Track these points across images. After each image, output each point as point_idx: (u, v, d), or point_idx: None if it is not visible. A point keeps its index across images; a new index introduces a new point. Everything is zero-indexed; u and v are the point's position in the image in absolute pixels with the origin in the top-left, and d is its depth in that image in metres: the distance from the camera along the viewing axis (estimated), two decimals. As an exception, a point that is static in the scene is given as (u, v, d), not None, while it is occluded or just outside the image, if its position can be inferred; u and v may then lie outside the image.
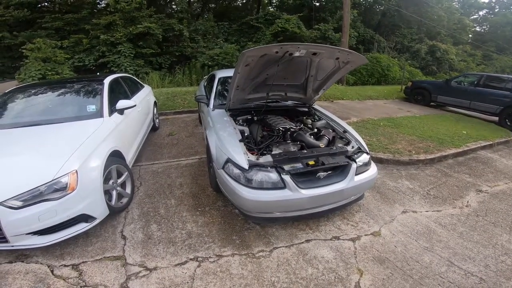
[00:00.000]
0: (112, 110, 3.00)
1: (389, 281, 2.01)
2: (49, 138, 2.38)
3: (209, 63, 10.03)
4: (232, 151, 2.39)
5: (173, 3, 16.66)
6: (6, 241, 1.93)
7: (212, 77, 4.41)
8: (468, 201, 3.20)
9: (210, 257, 2.17)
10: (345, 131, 3.05)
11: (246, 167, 2.25)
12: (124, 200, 2.71)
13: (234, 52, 10.33)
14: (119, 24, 9.84)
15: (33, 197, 1.88)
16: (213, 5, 20.66)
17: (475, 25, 29.13)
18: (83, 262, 2.08)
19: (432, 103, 9.10)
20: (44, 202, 1.90)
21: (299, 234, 2.47)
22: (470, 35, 25.84)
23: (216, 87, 3.81)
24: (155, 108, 5.31)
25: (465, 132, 5.75)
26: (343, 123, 3.26)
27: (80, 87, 3.32)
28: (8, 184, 1.90)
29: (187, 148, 4.40)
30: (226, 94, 3.78)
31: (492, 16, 29.90)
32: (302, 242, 2.38)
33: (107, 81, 3.39)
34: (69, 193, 1.97)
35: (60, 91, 3.22)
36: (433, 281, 2.02)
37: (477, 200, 3.25)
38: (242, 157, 2.31)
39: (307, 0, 17.80)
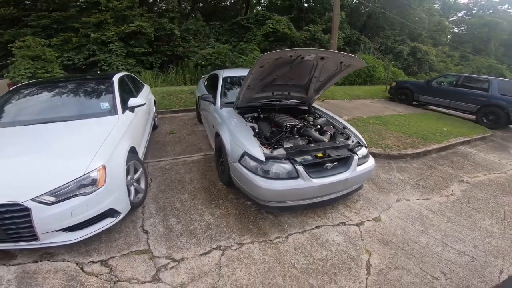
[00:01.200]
0: (124, 108, 3.09)
1: (394, 259, 2.28)
2: (71, 134, 2.45)
3: (203, 62, 10.08)
4: (248, 145, 2.59)
5: (163, 2, 16.48)
6: (36, 239, 1.94)
7: (215, 77, 4.55)
8: (452, 190, 3.56)
9: (232, 245, 2.34)
10: (344, 127, 3.33)
11: (263, 159, 2.46)
12: (140, 196, 2.81)
13: (227, 52, 10.44)
14: (110, 22, 9.68)
15: (66, 193, 1.93)
16: (201, 4, 20.59)
17: (454, 26, 30.63)
18: (111, 257, 2.15)
19: (414, 102, 9.63)
20: (76, 197, 1.96)
21: (309, 221, 2.71)
22: (449, 37, 27.17)
23: (222, 86, 3.97)
24: (154, 107, 5.38)
25: (446, 129, 6.22)
26: (341, 120, 3.54)
27: (89, 85, 3.38)
28: (40, 180, 1.94)
29: (191, 146, 4.52)
30: (231, 93, 3.98)
31: (470, 17, 31.48)
32: (313, 228, 2.61)
33: (115, 79, 3.47)
34: (99, 187, 2.06)
35: (70, 88, 3.27)
36: (432, 259, 2.30)
37: (460, 189, 3.61)
38: (258, 150, 2.52)
39: (297, 1, 18.12)
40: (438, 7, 26.80)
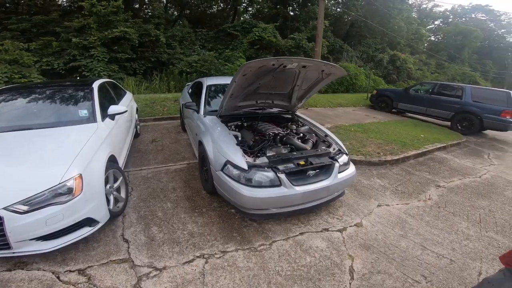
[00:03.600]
0: (104, 115, 3.02)
1: (376, 264, 2.33)
2: (48, 142, 2.37)
3: (188, 70, 10.05)
4: (231, 154, 2.59)
5: (148, 8, 16.38)
6: (9, 248, 1.88)
7: (199, 85, 4.55)
8: (430, 195, 3.70)
9: (215, 253, 2.31)
10: (326, 135, 3.41)
11: (246, 167, 2.47)
12: (120, 205, 2.74)
13: (213, 60, 10.47)
14: (93, 27, 9.48)
15: (40, 202, 1.88)
16: (188, 11, 20.61)
17: (431, 34, 32.26)
18: (89, 266, 2.09)
19: (394, 110, 9.99)
20: (51, 206, 1.90)
21: (293, 228, 2.72)
22: (425, 44, 28.51)
23: (206, 94, 3.97)
24: (136, 114, 5.28)
25: (423, 135, 6.50)
26: (323, 128, 3.62)
27: (68, 91, 3.28)
28: (13, 188, 1.88)
29: (174, 154, 4.46)
30: (215, 101, 3.98)
31: (446, 26, 33.25)
32: (297, 235, 2.63)
33: (95, 85, 3.39)
34: (75, 196, 2.00)
35: (47, 94, 3.17)
36: (413, 262, 2.37)
37: (437, 194, 3.76)
38: (241, 158, 2.53)
39: (282, 9, 18.54)
40: (415, 15, 27.86)
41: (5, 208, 1.79)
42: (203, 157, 3.20)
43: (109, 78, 8.85)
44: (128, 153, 3.90)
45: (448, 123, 8.26)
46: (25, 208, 1.84)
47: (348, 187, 3.39)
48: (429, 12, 32.31)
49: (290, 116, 4.05)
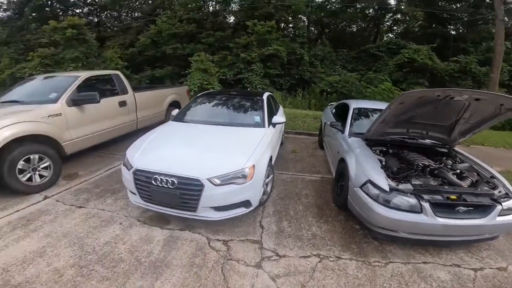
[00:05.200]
0: (269, 122, 3.73)
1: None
2: (233, 137, 3.21)
3: (328, 89, 10.47)
4: (373, 174, 2.64)
5: (292, 28, 18.17)
6: (194, 210, 2.53)
7: (344, 106, 4.73)
8: None
9: (330, 256, 2.49)
10: (492, 176, 2.84)
11: (387, 189, 2.47)
12: (265, 197, 3.27)
13: (354, 81, 10.39)
14: (254, 44, 11.63)
15: (227, 179, 2.53)
16: (327, 30, 21.20)
17: None
18: (231, 239, 2.63)
19: None
20: (232, 185, 2.55)
21: (416, 256, 2.58)
22: None
23: (352, 116, 4.11)
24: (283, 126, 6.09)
25: None
26: (490, 169, 3.00)
27: (246, 98, 4.33)
28: (212, 167, 2.56)
29: (310, 166, 4.83)
30: (359, 124, 4.05)
31: None
32: (419, 263, 2.48)
33: (265, 96, 4.25)
34: (248, 181, 2.62)
35: (232, 99, 4.31)
36: None
37: None
38: (383, 180, 2.55)
39: (440, 29, 16.00)
40: None
41: (208, 179, 2.47)
42: (341, 174, 3.36)
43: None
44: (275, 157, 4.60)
45: None
46: (218, 181, 2.49)
47: (506, 233, 2.83)
48: None
49: (445, 151, 3.57)
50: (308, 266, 2.35)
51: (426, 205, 2.34)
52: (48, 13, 17.80)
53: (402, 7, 17.91)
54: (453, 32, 16.38)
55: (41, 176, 3.53)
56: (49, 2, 18.21)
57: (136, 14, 20.82)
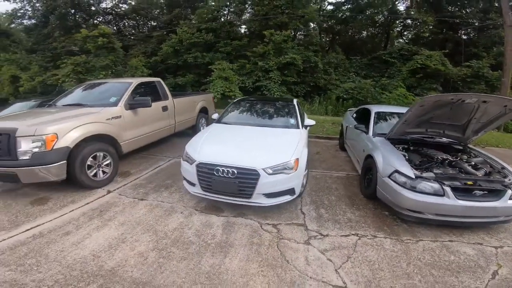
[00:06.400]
0: (302, 124, 4.25)
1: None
2: (278, 137, 3.73)
3: (344, 96, 10.91)
4: (399, 165, 3.12)
5: (305, 36, 18.69)
6: (249, 197, 2.97)
7: (365, 111, 5.28)
8: None
9: (367, 235, 2.93)
10: (503, 167, 3.30)
11: (413, 176, 2.94)
12: (302, 189, 3.72)
13: (369, 88, 10.81)
14: (271, 53, 12.24)
15: (277, 170, 3.02)
16: (337, 37, 21.55)
17: None
18: (279, 223, 3.08)
19: None
20: (281, 174, 3.03)
21: (442, 236, 3.00)
22: None
23: (374, 119, 4.61)
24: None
25: None
26: (502, 162, 3.47)
27: (280, 104, 4.89)
28: (265, 160, 3.03)
29: (335, 165, 5.31)
30: (380, 125, 4.54)
31: None
32: (446, 241, 2.90)
33: (295, 102, 4.79)
34: (293, 172, 3.11)
35: (267, 105, 4.86)
36: None
37: None
38: (409, 169, 3.03)
39: (452, 35, 16.29)
40: None
41: (263, 169, 2.98)
42: (367, 169, 3.84)
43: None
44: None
45: None
46: (271, 171, 2.99)
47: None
48: None
49: (461, 148, 4.04)
50: (350, 242, 2.79)
51: (448, 189, 2.80)
52: (70, 21, 18.69)
53: (412, 12, 18.25)
54: (464, 37, 16.62)
55: (103, 172, 4.02)
56: (73, 11, 19.12)
57: (153, 23, 21.71)
